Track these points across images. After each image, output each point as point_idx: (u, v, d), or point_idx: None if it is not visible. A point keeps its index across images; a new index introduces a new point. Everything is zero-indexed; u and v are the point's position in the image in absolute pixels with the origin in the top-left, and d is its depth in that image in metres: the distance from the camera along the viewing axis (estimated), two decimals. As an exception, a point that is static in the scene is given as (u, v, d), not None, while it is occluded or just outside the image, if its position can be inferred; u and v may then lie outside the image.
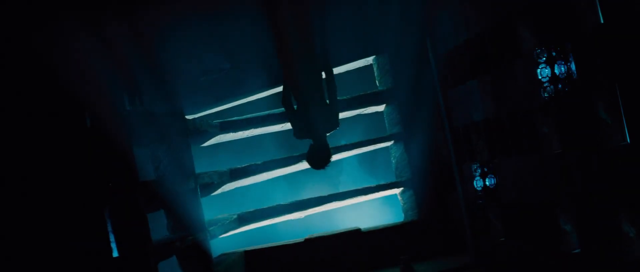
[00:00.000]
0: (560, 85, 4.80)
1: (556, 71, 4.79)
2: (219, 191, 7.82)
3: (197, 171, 7.26)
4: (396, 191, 8.07)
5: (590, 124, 4.67)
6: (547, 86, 4.88)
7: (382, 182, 8.10)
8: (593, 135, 4.67)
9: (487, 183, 6.22)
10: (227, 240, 7.96)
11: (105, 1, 5.65)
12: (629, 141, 4.39)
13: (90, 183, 4.91)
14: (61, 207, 4.81)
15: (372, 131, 8.72)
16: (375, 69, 8.10)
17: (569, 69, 4.74)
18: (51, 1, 4.98)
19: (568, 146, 4.98)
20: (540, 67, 4.85)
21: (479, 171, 6.27)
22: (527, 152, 5.47)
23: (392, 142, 8.02)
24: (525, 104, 5.37)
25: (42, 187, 4.79)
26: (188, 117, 7.52)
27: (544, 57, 4.85)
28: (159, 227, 6.99)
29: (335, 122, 5.76)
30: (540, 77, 4.88)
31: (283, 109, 5.63)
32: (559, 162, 5.05)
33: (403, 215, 8.07)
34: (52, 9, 4.95)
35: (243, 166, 7.81)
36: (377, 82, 8.11)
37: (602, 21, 4.42)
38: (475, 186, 6.33)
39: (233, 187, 8.06)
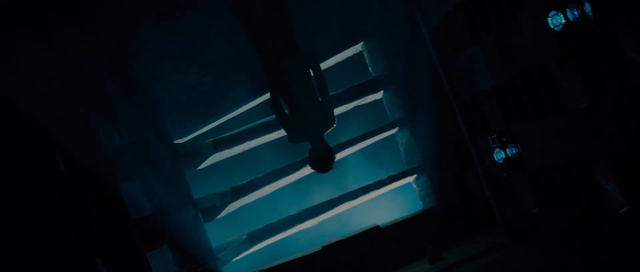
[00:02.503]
0: (576, 32, 4.31)
1: (569, 16, 4.30)
2: (224, 212, 7.40)
3: (196, 196, 6.85)
4: (410, 179, 7.65)
5: (617, 68, 4.22)
6: (561, 35, 4.38)
7: (392, 173, 7.64)
8: (622, 79, 4.21)
9: (508, 153, 5.74)
10: (241, 263, 7.53)
11: (66, 16, 5.03)
12: (665, 78, 3.94)
13: (73, 233, 4.33)
14: (44, 267, 4.21)
15: (369, 124, 8.26)
16: (365, 55, 7.66)
17: (583, 12, 4.27)
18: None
19: (595, 98, 4.49)
20: (550, 14, 4.36)
21: (497, 141, 5.80)
22: (549, 112, 5.02)
23: (396, 129, 7.63)
24: (539, 60, 4.90)
25: (14, 250, 4.15)
26: (177, 141, 7.07)
27: (552, 2, 4.36)
28: (166, 263, 6.57)
29: (331, 119, 5.65)
30: (552, 26, 4.40)
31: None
32: (588, 116, 4.58)
33: (421, 203, 7.64)
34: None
35: (244, 182, 7.39)
36: (370, 68, 7.67)
37: (612, -50, 3.96)
38: (496, 159, 5.86)
39: (238, 207, 7.65)
